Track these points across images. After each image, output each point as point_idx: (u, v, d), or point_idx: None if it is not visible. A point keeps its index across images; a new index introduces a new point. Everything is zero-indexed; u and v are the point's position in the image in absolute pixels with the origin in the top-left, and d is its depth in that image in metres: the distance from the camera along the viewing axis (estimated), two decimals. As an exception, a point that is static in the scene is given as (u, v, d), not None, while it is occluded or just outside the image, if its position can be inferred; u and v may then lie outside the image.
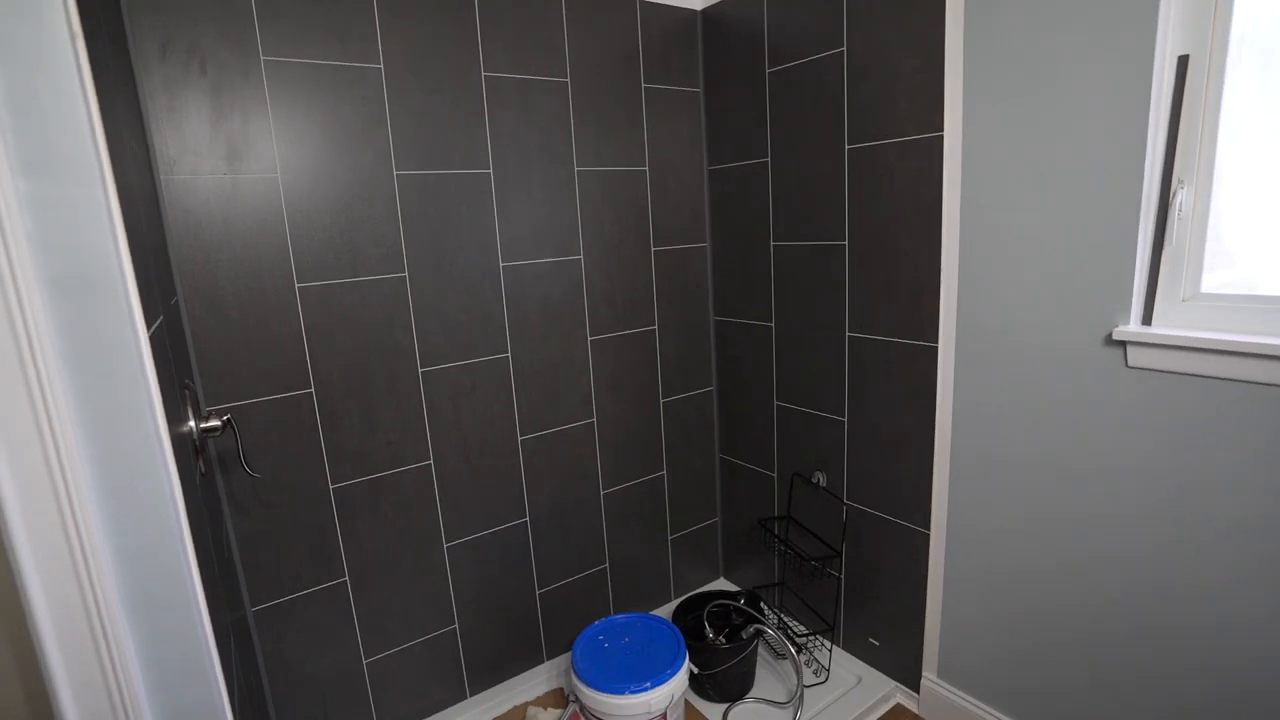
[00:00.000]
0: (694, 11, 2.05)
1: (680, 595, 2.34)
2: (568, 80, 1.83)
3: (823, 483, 1.93)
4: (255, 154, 1.44)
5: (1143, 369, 1.28)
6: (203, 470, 1.12)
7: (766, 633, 1.88)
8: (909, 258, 1.63)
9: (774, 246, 1.97)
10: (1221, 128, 1.19)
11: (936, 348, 1.60)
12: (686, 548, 2.34)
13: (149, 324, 0.76)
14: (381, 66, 1.56)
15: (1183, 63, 1.20)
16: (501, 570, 1.92)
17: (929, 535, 1.69)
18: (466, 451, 1.80)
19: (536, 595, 1.99)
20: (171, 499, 0.73)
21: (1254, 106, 1.16)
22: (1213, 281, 1.24)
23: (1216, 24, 1.16)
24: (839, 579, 1.95)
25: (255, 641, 1.57)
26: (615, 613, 2.17)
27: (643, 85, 1.97)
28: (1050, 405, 1.43)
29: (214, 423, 1.14)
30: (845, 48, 1.67)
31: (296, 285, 1.52)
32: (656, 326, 2.12)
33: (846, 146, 1.71)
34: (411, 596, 1.77)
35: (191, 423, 1.08)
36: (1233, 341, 1.14)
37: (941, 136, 1.51)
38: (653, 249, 2.07)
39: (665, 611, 2.24)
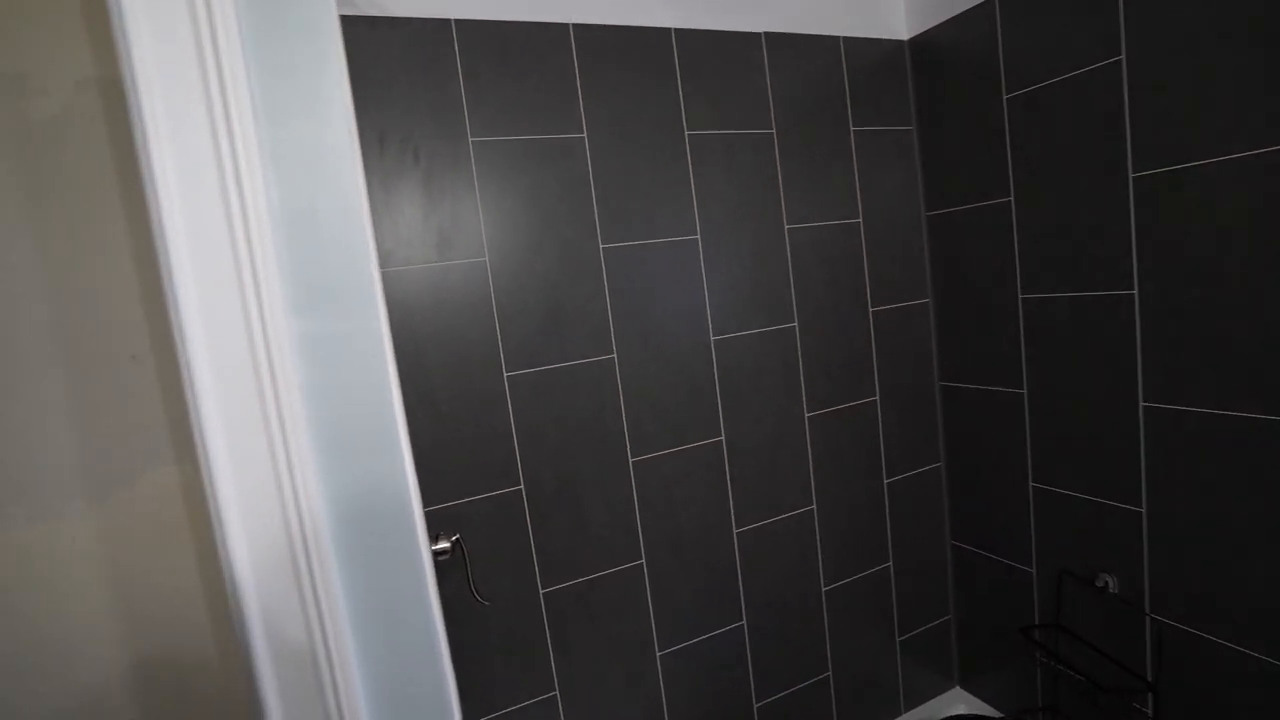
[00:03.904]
0: (899, 41, 1.83)
1: (910, 707, 1.98)
2: (773, 131, 1.65)
3: (1113, 588, 1.54)
4: (464, 238, 1.38)
5: None
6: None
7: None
8: (1245, 305, 1.26)
9: (1022, 300, 1.65)
10: None
11: (1298, 423, 1.21)
12: (916, 651, 1.98)
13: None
14: (585, 135, 1.47)
15: None
16: (717, 681, 1.68)
17: (1305, 675, 1.26)
18: (680, 548, 1.61)
19: (754, 710, 1.74)
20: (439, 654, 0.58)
21: None
22: None
23: None
24: (1148, 718, 1.52)
25: (466, 762, 1.44)
26: (838, 729, 1.86)
27: (851, 129, 1.76)
28: None
29: (443, 544, 1.02)
30: (1123, 55, 1.37)
31: (505, 374, 1.42)
32: (878, 397, 1.84)
33: (1130, 175, 1.39)
34: (623, 713, 1.58)
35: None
36: None
37: (1291, 149, 1.16)
38: (870, 309, 1.81)
39: (896, 731, 1.90)
